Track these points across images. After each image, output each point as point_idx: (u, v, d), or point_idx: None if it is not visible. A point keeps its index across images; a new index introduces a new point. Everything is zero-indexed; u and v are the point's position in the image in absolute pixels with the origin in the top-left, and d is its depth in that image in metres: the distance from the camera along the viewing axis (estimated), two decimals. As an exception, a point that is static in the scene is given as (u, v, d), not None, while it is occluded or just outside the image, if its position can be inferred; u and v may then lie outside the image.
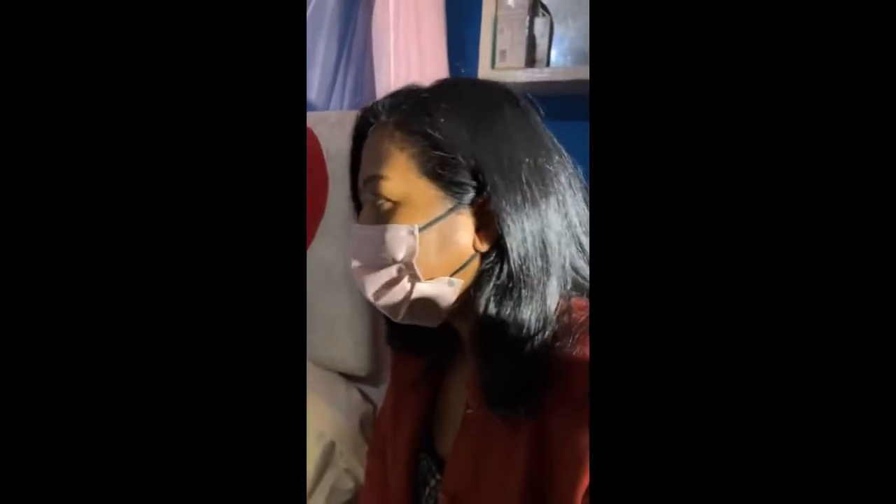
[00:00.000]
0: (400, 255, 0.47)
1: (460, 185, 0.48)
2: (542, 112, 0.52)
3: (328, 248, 0.78)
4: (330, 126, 0.81)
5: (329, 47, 0.93)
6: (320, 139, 0.80)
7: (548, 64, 0.93)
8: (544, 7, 0.95)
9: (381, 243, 0.48)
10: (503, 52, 0.91)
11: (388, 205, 0.48)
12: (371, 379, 0.81)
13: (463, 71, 0.93)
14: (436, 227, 0.48)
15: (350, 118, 0.81)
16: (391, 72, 0.85)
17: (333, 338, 0.78)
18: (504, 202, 0.47)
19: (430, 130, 0.48)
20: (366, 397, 0.81)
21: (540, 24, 0.94)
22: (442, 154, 0.47)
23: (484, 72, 0.91)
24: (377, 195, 0.49)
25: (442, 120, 0.48)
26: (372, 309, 0.56)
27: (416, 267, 0.48)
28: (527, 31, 0.92)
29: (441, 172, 0.48)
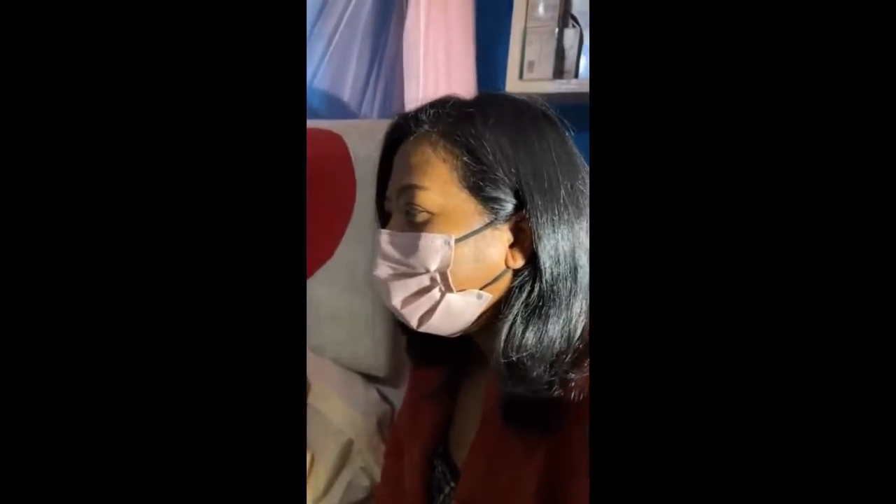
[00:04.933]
0: (433, 265, 0.48)
1: (500, 200, 0.48)
2: (571, 130, 0.53)
3: (354, 252, 0.81)
4: (360, 134, 0.84)
5: (361, 58, 0.96)
6: (350, 146, 0.83)
7: (576, 75, 0.94)
8: (574, 18, 0.95)
9: (413, 251, 0.48)
10: (531, 63, 0.92)
11: (423, 216, 0.48)
12: (390, 380, 0.83)
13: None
14: (471, 240, 0.48)
15: (380, 127, 0.83)
16: (420, 82, 0.88)
17: (355, 338, 0.80)
18: (542, 221, 0.48)
19: (475, 144, 0.48)
20: (384, 398, 0.83)
21: (570, 36, 0.94)
22: (485, 168, 0.48)
23: (511, 83, 0.92)
24: (413, 205, 0.48)
25: (487, 134, 0.48)
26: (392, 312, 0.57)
27: (450, 278, 0.48)
28: (556, 42, 0.93)
29: (483, 187, 0.48)
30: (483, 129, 0.48)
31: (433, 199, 0.48)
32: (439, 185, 0.48)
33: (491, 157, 0.48)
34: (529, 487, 0.47)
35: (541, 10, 0.93)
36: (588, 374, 0.47)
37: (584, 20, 0.94)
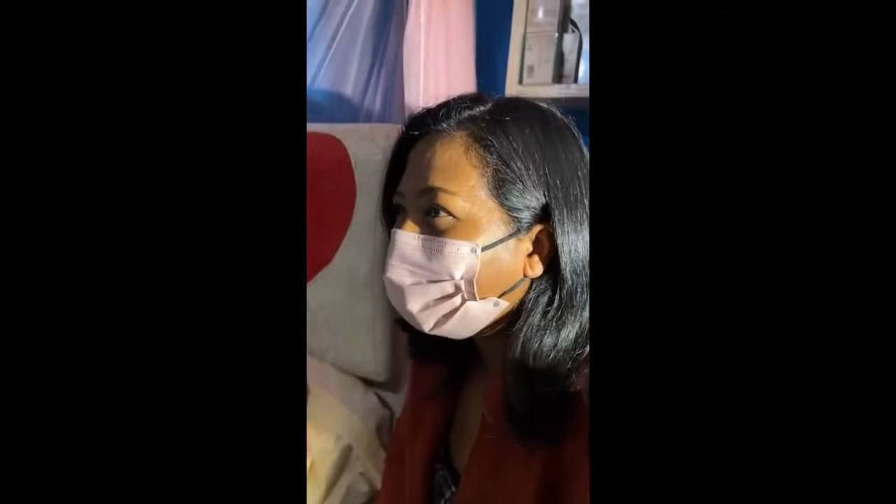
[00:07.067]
0: (458, 273, 0.47)
1: (525, 211, 0.48)
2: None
3: (354, 256, 0.81)
4: (359, 138, 0.84)
5: (362, 61, 0.96)
6: (349, 150, 0.83)
7: (575, 80, 0.94)
8: (574, 23, 0.96)
9: (437, 257, 0.47)
10: (531, 68, 0.92)
11: (447, 220, 0.47)
12: (389, 385, 0.82)
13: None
14: (496, 248, 0.47)
15: (380, 131, 0.83)
16: (420, 86, 0.88)
17: (355, 343, 0.80)
18: (567, 233, 0.48)
19: (509, 154, 0.47)
20: (383, 402, 0.82)
21: (569, 41, 0.94)
22: (515, 179, 0.47)
23: (511, 87, 0.92)
24: (438, 208, 0.47)
25: (521, 146, 0.47)
26: (393, 315, 0.56)
27: (475, 286, 0.47)
28: (555, 47, 0.93)
29: (510, 197, 0.47)
30: (518, 139, 0.48)
31: (460, 204, 0.47)
32: (467, 190, 0.47)
33: (523, 169, 0.47)
34: (530, 491, 0.47)
35: (540, 14, 0.93)
36: (586, 382, 0.47)
37: (584, 25, 0.94)
